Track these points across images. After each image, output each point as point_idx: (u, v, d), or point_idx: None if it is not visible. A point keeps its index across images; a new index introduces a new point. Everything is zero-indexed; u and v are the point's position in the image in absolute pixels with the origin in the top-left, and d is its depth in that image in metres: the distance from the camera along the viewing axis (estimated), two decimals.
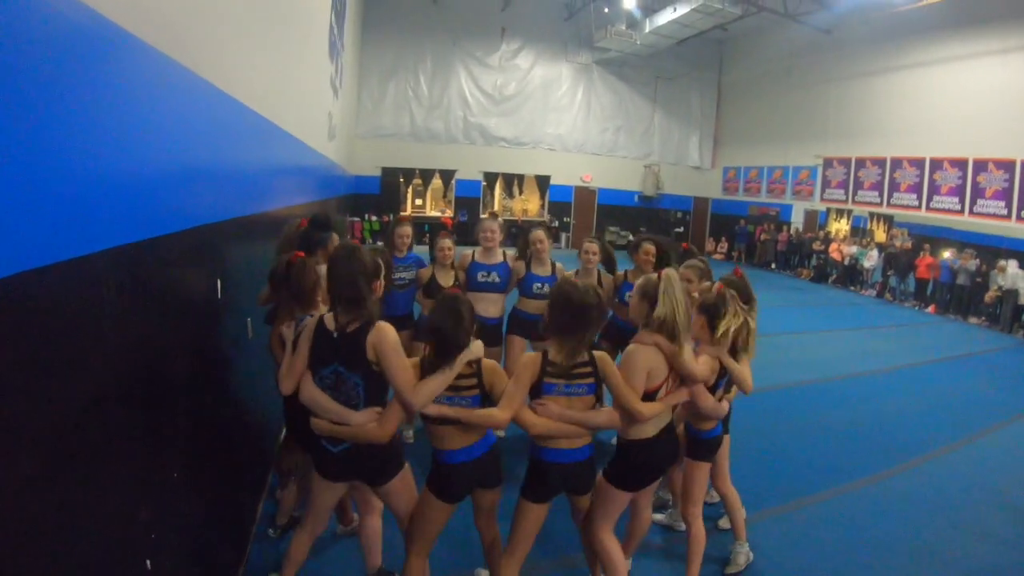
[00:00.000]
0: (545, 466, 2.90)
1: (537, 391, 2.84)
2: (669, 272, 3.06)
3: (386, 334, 2.67)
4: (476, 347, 2.85)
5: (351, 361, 2.68)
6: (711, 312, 3.29)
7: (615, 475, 3.07)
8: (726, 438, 3.80)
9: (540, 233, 5.23)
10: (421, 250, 5.50)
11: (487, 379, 2.84)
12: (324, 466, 2.86)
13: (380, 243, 5.37)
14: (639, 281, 3.17)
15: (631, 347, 3.02)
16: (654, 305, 2.99)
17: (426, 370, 2.74)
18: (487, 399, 2.83)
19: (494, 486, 2.98)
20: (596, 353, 2.92)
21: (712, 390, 3.34)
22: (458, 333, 2.74)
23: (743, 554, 3.81)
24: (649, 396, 2.97)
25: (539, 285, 5.07)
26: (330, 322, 2.72)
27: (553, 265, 5.25)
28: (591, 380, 2.87)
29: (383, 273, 2.95)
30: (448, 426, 2.79)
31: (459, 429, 2.80)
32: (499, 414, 2.76)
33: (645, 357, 2.96)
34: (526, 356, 2.93)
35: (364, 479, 2.93)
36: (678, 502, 3.94)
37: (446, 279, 5.07)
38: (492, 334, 5.09)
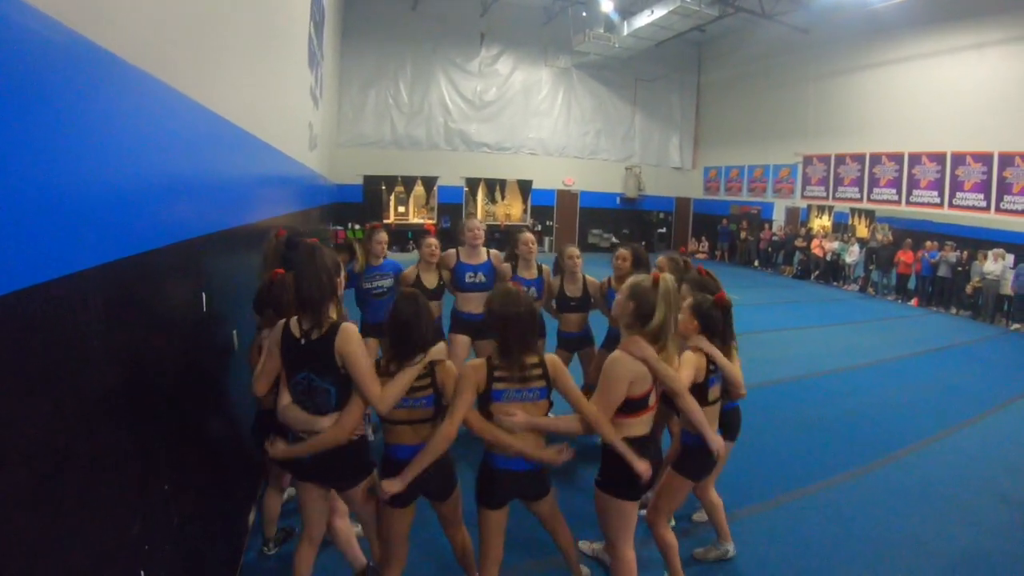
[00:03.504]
0: (496, 473, 2.85)
1: (487, 398, 2.78)
2: (667, 277, 2.88)
3: (351, 337, 2.66)
4: (437, 348, 2.85)
5: (321, 369, 2.67)
6: (705, 318, 3.30)
7: (608, 483, 2.91)
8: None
9: (529, 235, 5.29)
10: (407, 257, 5.51)
11: (440, 378, 2.82)
12: (298, 469, 2.88)
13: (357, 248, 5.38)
14: (629, 279, 2.97)
15: (615, 354, 2.83)
16: (640, 307, 2.83)
17: (382, 371, 2.74)
18: (440, 398, 2.81)
19: (443, 497, 2.94)
20: (547, 357, 2.87)
21: (704, 388, 3.19)
22: (421, 331, 2.75)
23: (717, 551, 3.79)
24: (637, 402, 2.81)
25: (524, 289, 5.06)
26: (295, 328, 2.70)
27: (539, 268, 5.28)
28: (543, 384, 2.81)
29: (342, 272, 2.96)
30: (402, 424, 2.79)
31: (411, 427, 2.80)
32: (444, 429, 2.73)
33: (629, 367, 2.78)
34: (467, 365, 2.85)
35: (331, 484, 2.93)
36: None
37: (431, 279, 5.10)
38: (483, 329, 5.12)
